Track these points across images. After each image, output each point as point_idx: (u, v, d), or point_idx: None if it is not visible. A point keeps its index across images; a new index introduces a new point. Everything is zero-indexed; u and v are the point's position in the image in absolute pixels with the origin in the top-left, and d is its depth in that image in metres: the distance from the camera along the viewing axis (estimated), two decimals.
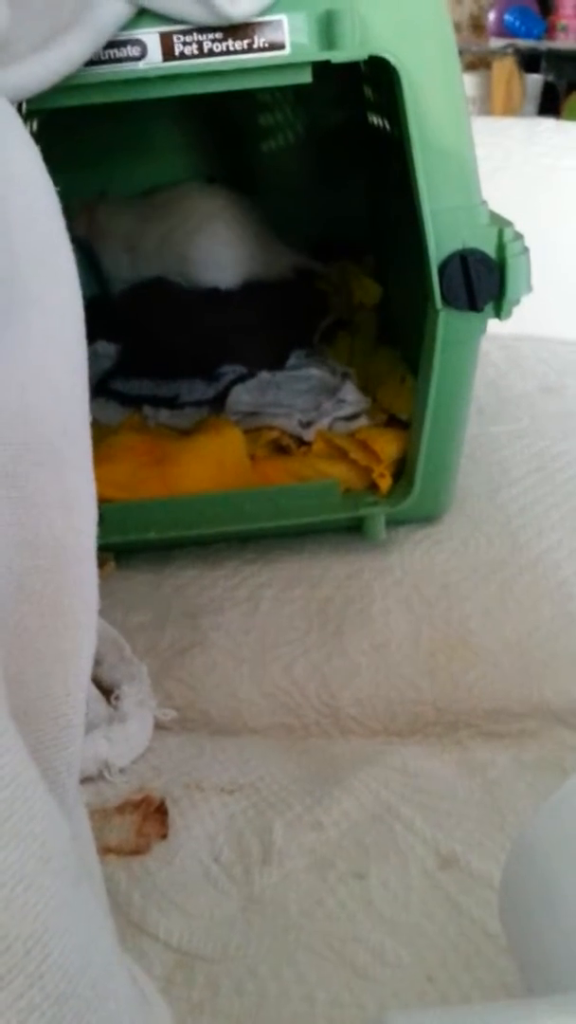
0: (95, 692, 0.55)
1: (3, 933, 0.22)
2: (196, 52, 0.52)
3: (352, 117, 0.91)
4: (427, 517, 0.72)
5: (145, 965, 0.42)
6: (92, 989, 0.24)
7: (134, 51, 0.52)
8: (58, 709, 0.32)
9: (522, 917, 0.33)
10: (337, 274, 0.94)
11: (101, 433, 0.73)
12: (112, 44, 0.51)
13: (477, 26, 3.28)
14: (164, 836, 0.48)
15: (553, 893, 0.31)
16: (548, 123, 1.18)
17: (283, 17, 0.52)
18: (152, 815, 0.49)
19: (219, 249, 0.89)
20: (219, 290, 0.90)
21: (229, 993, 0.40)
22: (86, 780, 0.51)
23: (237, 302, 0.89)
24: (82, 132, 0.81)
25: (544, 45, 3.09)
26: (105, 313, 0.90)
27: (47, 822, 0.25)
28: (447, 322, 0.60)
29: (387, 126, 0.74)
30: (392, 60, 0.53)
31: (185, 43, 0.52)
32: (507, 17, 3.11)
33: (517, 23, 3.09)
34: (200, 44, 0.52)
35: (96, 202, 0.92)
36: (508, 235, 0.57)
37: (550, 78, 3.09)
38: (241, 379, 0.83)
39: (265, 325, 0.88)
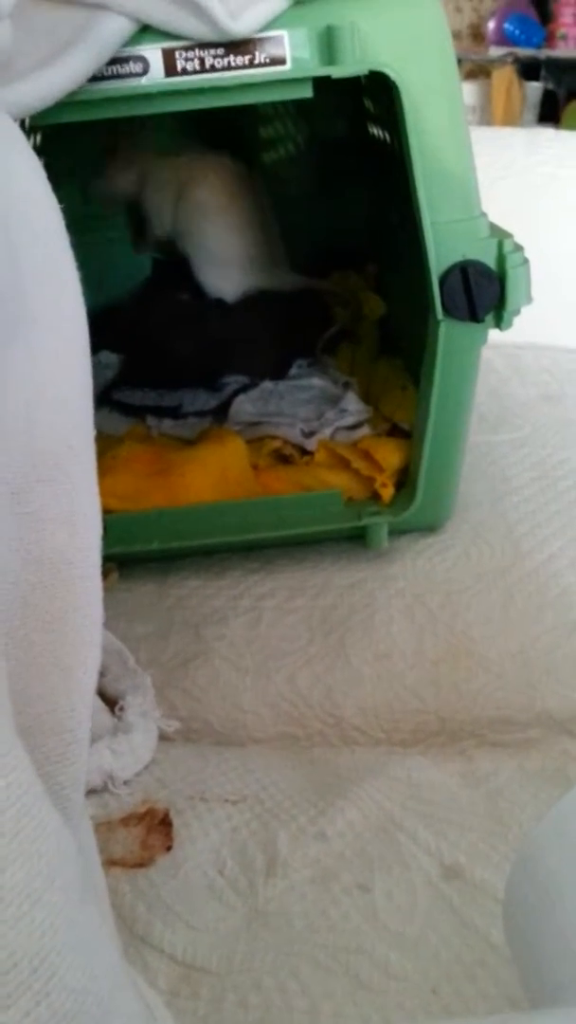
0: (99, 703, 0.55)
1: (10, 951, 0.23)
2: (198, 68, 0.53)
3: (353, 129, 0.91)
4: (429, 526, 0.72)
5: (150, 978, 0.42)
6: (99, 1006, 0.24)
7: (137, 67, 0.53)
8: (63, 724, 0.32)
9: (526, 929, 0.33)
10: (341, 284, 0.95)
11: (105, 444, 0.72)
12: (115, 60, 0.52)
13: (476, 35, 3.29)
14: (169, 848, 0.48)
15: (556, 905, 0.31)
16: (548, 132, 1.18)
17: (284, 33, 0.53)
18: (156, 827, 0.49)
19: (222, 256, 0.89)
20: (220, 299, 0.90)
21: (234, 1006, 0.41)
22: (91, 792, 0.51)
23: (239, 312, 0.89)
24: (85, 144, 0.82)
25: (543, 53, 3.10)
26: (108, 323, 0.90)
27: (53, 839, 0.25)
28: (448, 332, 0.60)
29: (388, 138, 0.74)
30: (392, 75, 0.53)
31: (187, 59, 0.53)
32: (506, 26, 3.12)
33: (517, 31, 3.10)
34: (202, 60, 0.53)
35: (152, 157, 0.92)
36: (508, 246, 0.58)
37: (550, 86, 3.10)
38: (243, 389, 0.83)
39: (267, 335, 0.88)
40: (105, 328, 0.89)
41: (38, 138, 0.71)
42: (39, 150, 0.66)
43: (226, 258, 0.89)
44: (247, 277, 0.89)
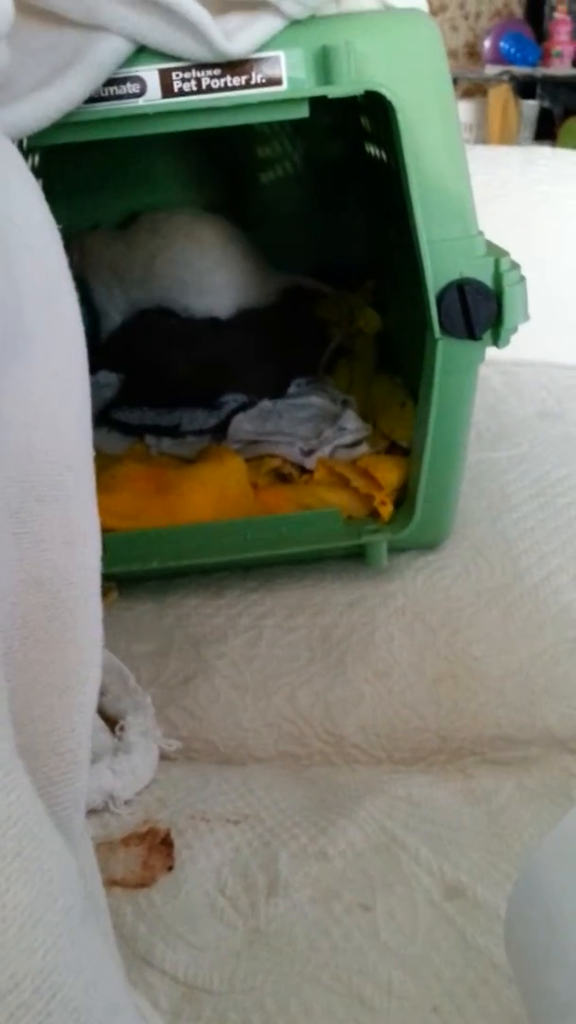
0: (99, 723, 0.55)
1: (12, 971, 0.22)
2: (195, 88, 0.53)
3: (350, 147, 0.92)
4: (428, 544, 0.72)
5: (152, 998, 0.42)
6: None
7: (134, 88, 0.53)
8: (63, 745, 0.32)
9: (528, 949, 0.32)
10: (336, 302, 0.95)
11: (104, 463, 0.73)
12: (112, 81, 0.52)
13: (472, 53, 3.32)
14: (170, 868, 0.48)
15: (559, 924, 0.31)
16: (544, 151, 1.19)
17: (280, 53, 0.53)
18: (157, 847, 0.49)
19: (213, 272, 0.90)
20: (215, 317, 0.90)
21: None
22: (91, 812, 0.51)
23: (236, 330, 0.90)
24: (82, 164, 0.82)
25: (539, 71, 3.12)
26: (106, 344, 0.90)
27: (55, 859, 0.25)
28: (446, 350, 0.60)
29: (384, 157, 0.75)
30: (388, 95, 0.54)
31: (184, 79, 0.53)
32: (502, 44, 3.15)
33: (512, 50, 3.13)
34: (199, 80, 0.53)
35: (85, 235, 0.93)
36: (504, 264, 0.58)
37: (546, 104, 3.13)
38: (242, 407, 0.84)
39: (264, 353, 0.88)
40: (104, 348, 0.90)
41: (36, 158, 0.71)
42: (37, 170, 0.67)
43: (215, 287, 0.90)
44: (239, 294, 0.90)
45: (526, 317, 0.59)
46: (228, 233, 0.92)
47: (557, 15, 3.13)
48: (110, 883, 0.46)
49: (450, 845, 0.48)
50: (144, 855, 0.48)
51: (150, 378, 0.88)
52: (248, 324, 0.90)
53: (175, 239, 0.90)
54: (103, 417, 0.84)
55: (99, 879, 0.37)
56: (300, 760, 0.58)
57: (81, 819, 0.34)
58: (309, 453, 0.76)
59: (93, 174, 0.91)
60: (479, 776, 0.54)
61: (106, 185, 0.95)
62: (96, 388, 0.86)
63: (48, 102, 0.50)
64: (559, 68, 3.12)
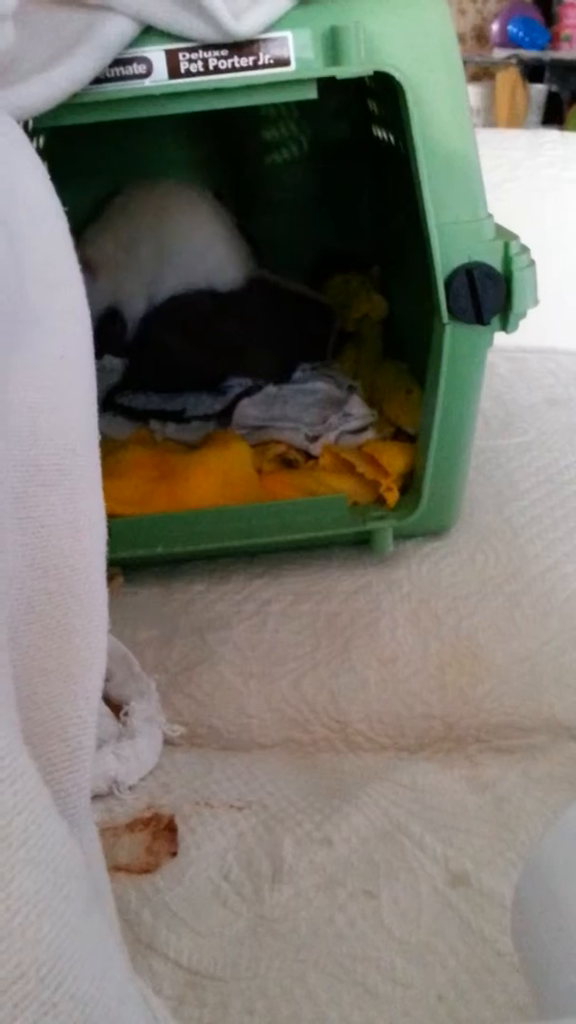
0: (104, 708, 0.55)
1: (17, 961, 0.22)
2: (202, 69, 0.53)
3: (357, 130, 0.91)
4: (434, 530, 0.72)
5: (156, 984, 0.42)
6: (105, 1017, 0.24)
7: (140, 69, 0.52)
8: (68, 731, 0.32)
9: (534, 937, 0.32)
10: (341, 287, 0.94)
11: (108, 448, 0.73)
12: (118, 62, 0.52)
13: (480, 37, 3.29)
14: (174, 854, 0.48)
15: (565, 912, 0.31)
16: (553, 134, 1.18)
17: (288, 34, 0.52)
18: (162, 832, 0.49)
19: (216, 240, 0.89)
20: (222, 299, 0.89)
21: (240, 1013, 0.40)
22: (96, 798, 0.51)
23: (241, 314, 0.89)
24: (87, 147, 0.81)
25: (548, 55, 3.10)
26: (112, 327, 0.90)
27: (60, 847, 0.25)
28: (453, 335, 0.60)
29: (392, 140, 0.74)
30: (397, 75, 0.53)
31: (191, 60, 0.52)
32: (510, 27, 3.13)
33: (521, 33, 3.11)
34: (206, 61, 0.52)
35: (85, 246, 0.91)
36: (514, 248, 0.57)
37: (554, 88, 3.11)
38: (247, 392, 0.83)
39: (269, 337, 0.88)
40: (109, 333, 0.89)
41: (41, 141, 0.71)
42: (42, 153, 0.66)
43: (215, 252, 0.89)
44: (240, 267, 0.89)
45: (535, 302, 0.58)
46: (211, 200, 0.91)
47: None
48: (114, 869, 0.46)
49: (455, 833, 0.48)
50: (148, 841, 0.48)
51: (156, 362, 0.87)
52: (254, 309, 0.90)
53: (176, 208, 0.89)
54: (108, 402, 0.84)
55: (104, 865, 0.37)
56: (304, 747, 0.58)
57: (86, 805, 0.34)
58: (314, 439, 0.76)
59: (99, 157, 0.90)
60: (484, 764, 0.54)
61: (111, 169, 0.95)
62: (101, 373, 0.85)
63: (54, 83, 0.49)
64: (568, 52, 3.09)
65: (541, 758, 0.54)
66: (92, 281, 0.82)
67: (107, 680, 0.57)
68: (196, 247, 0.89)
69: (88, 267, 0.83)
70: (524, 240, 0.59)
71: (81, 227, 0.91)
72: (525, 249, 0.58)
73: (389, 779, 0.52)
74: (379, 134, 0.81)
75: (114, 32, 0.50)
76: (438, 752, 0.56)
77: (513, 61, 3.09)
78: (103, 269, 0.89)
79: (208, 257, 0.89)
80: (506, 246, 0.57)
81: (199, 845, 0.48)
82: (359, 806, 0.50)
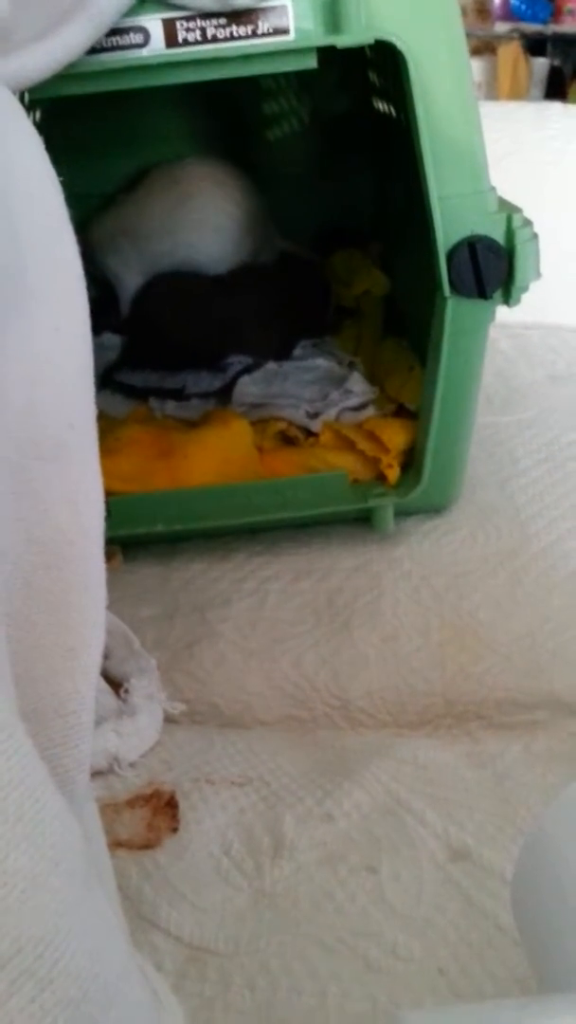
0: (104, 685, 0.55)
1: (14, 936, 0.22)
2: (199, 38, 0.52)
3: (357, 103, 0.90)
4: (436, 508, 0.72)
5: (157, 960, 0.42)
6: (104, 992, 0.24)
7: (137, 38, 0.52)
8: (66, 707, 0.32)
9: (534, 911, 0.32)
10: (344, 263, 0.94)
11: (107, 425, 0.72)
12: (114, 31, 0.51)
13: (482, 10, 3.26)
14: (175, 830, 0.48)
15: (566, 888, 0.31)
16: (556, 107, 1.17)
17: (287, 2, 0.52)
18: (162, 809, 0.49)
19: (237, 219, 0.88)
20: (220, 277, 0.89)
21: (241, 988, 0.40)
22: (96, 774, 0.51)
23: (240, 291, 0.88)
24: (84, 122, 0.81)
25: (550, 29, 3.07)
26: (110, 306, 0.89)
27: (57, 823, 0.25)
28: (455, 310, 0.59)
29: (393, 112, 0.73)
30: (398, 44, 0.52)
31: (188, 29, 0.52)
32: (513, 1, 3.09)
33: (523, 7, 3.08)
34: (203, 30, 0.52)
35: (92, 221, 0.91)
36: (517, 221, 0.57)
37: (556, 62, 3.08)
38: (247, 370, 0.83)
39: (269, 314, 0.87)
40: (107, 310, 0.89)
41: (38, 114, 0.70)
42: (39, 126, 0.65)
43: (237, 236, 0.89)
44: (239, 248, 0.88)
45: (538, 275, 0.58)
46: (246, 181, 0.90)
47: None
48: (115, 845, 0.46)
49: (456, 808, 0.48)
50: (149, 817, 0.48)
51: (155, 340, 0.87)
52: (254, 285, 0.89)
53: (202, 185, 0.88)
54: (106, 379, 0.83)
55: (103, 842, 0.37)
56: (305, 724, 0.58)
57: (85, 781, 0.34)
58: (315, 416, 0.75)
59: (96, 132, 0.89)
60: (485, 740, 0.54)
61: (109, 144, 0.94)
62: (100, 350, 0.85)
63: (49, 53, 0.48)
64: (570, 25, 3.06)
65: (541, 734, 0.54)
66: (90, 256, 0.81)
67: (107, 658, 0.57)
68: (196, 225, 0.88)
69: (87, 242, 0.82)
70: (527, 214, 0.58)
71: (79, 201, 0.90)
72: (528, 222, 0.57)
73: (390, 755, 0.52)
74: (380, 106, 0.80)
75: (110, 0, 0.49)
76: (439, 728, 0.56)
77: (515, 35, 3.06)
78: (101, 245, 0.89)
79: (208, 237, 0.88)
80: (509, 219, 0.57)
81: (200, 821, 0.48)
82: (360, 782, 0.50)
